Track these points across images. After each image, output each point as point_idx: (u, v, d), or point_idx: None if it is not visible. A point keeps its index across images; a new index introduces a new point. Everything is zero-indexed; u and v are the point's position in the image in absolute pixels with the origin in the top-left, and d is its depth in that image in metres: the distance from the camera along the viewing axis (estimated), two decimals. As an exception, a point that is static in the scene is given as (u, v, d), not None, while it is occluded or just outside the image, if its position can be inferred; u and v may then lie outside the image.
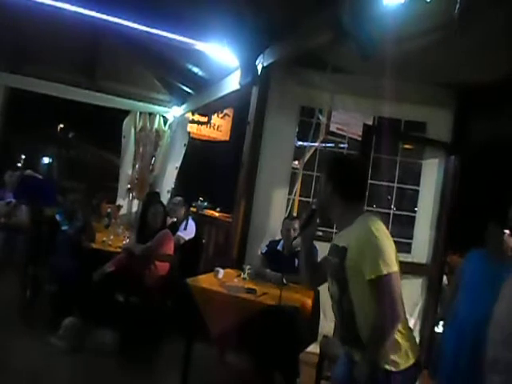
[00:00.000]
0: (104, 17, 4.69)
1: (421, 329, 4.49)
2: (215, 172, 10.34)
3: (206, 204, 8.32)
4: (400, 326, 1.73)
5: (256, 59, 4.32)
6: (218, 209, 8.58)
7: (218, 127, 8.32)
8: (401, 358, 1.74)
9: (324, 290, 3.54)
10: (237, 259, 4.15)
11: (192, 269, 4.16)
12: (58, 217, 4.52)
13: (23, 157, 11.15)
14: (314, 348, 3.45)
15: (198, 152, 7.38)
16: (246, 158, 4.30)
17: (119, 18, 4.70)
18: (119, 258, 3.86)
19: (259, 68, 4.29)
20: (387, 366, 1.72)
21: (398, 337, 1.74)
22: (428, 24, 3.14)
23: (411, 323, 4.03)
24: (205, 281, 3.31)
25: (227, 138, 8.52)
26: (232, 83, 4.98)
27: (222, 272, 3.47)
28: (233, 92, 5.00)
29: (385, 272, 1.66)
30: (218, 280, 3.38)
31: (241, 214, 4.19)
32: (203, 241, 4.74)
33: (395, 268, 1.69)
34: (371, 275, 1.67)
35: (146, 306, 3.66)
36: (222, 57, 4.66)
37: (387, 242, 1.73)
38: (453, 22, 2.78)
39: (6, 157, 7.86)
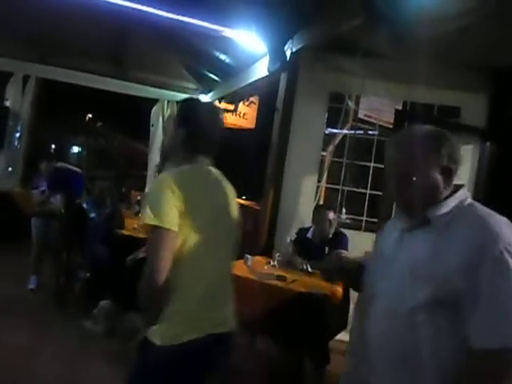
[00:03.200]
0: (132, 5, 4.71)
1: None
2: (240, 160, 10.33)
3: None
4: (191, 293, 1.52)
5: (285, 45, 4.27)
6: (243, 196, 8.59)
7: (244, 115, 8.28)
8: (171, 330, 1.49)
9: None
10: (265, 246, 4.16)
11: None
12: (85, 205, 4.63)
13: (53, 146, 11.40)
14: (343, 336, 3.44)
15: (223, 140, 7.36)
16: (274, 145, 4.28)
17: (147, 6, 4.71)
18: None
19: (288, 54, 4.23)
20: (154, 338, 1.49)
21: (176, 304, 1.50)
22: (465, 5, 3.03)
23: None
24: (235, 268, 3.32)
25: (253, 126, 8.49)
26: (260, 70, 4.94)
27: (251, 259, 3.48)
28: (260, 79, 4.96)
29: (147, 222, 1.45)
30: (248, 267, 3.39)
31: (270, 202, 4.19)
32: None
33: (162, 224, 1.43)
34: (143, 221, 1.49)
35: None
36: (250, 43, 4.62)
37: (161, 196, 1.47)
38: (490, 3, 2.67)
39: (38, 147, 8.00)
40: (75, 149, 16.46)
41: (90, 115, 15.29)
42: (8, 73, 6.56)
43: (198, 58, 6.18)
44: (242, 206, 5.92)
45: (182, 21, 4.79)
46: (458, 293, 1.12)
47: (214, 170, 1.80)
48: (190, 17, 4.74)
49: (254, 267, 3.39)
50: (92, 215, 4.49)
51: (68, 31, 5.96)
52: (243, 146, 10.07)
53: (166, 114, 6.95)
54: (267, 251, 3.98)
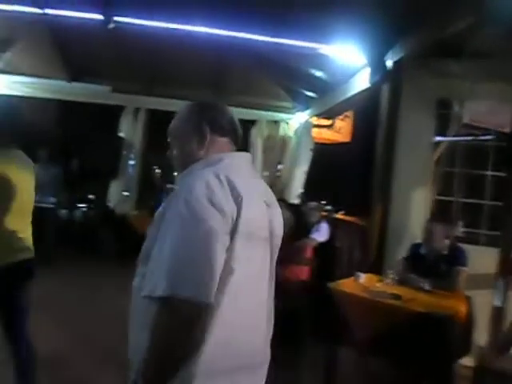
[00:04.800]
0: (230, 33, 4.94)
1: None
2: (336, 174, 10.17)
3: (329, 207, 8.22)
4: None
5: (385, 55, 4.16)
6: (340, 212, 8.42)
7: (339, 129, 8.21)
8: None
9: (476, 296, 3.27)
10: (374, 263, 4.02)
11: (328, 273, 4.13)
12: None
13: (159, 171, 12.26)
14: (468, 361, 3.18)
15: (318, 155, 7.33)
16: (379, 158, 4.15)
17: (244, 32, 4.90)
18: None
19: (389, 64, 4.12)
20: None
21: None
22: None
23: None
24: (346, 285, 3.26)
25: (348, 139, 8.37)
26: (358, 84, 4.87)
27: (362, 276, 3.38)
28: (360, 92, 4.88)
29: None
30: (360, 285, 3.29)
31: (378, 217, 4.04)
32: (338, 245, 4.67)
33: None
34: None
35: (286, 309, 3.70)
36: (347, 58, 4.58)
37: None
38: None
39: (149, 172, 8.68)
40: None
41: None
42: (121, 106, 7.21)
43: (293, 77, 6.26)
44: (344, 221, 5.80)
45: (277, 43, 4.91)
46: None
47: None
48: (285, 38, 4.84)
49: (367, 285, 3.28)
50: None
51: (171, 64, 6.42)
52: (338, 161, 9.92)
53: (265, 134, 7.11)
54: (377, 268, 3.84)
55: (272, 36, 4.81)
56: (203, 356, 1.09)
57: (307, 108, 6.88)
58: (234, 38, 4.94)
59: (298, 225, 3.91)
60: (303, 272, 3.90)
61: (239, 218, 1.10)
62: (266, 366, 1.35)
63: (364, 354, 3.58)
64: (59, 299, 4.82)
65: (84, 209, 8.65)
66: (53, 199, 6.43)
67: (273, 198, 1.35)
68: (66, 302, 4.85)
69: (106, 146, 8.12)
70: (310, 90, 6.51)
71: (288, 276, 3.77)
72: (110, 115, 7.25)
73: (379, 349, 3.11)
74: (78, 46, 6.29)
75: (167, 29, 4.87)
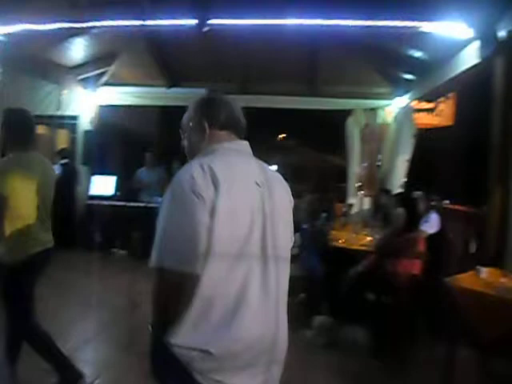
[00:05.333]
0: (321, 22, 4.80)
1: None
2: (438, 161, 9.52)
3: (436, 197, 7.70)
4: None
5: (496, 25, 3.75)
6: (445, 201, 7.86)
7: (441, 112, 7.63)
8: None
9: None
10: (494, 256, 3.65)
11: (440, 266, 3.85)
12: (297, 217, 4.81)
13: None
14: None
15: (419, 141, 6.88)
16: (495, 140, 3.75)
17: (335, 19, 4.73)
18: (370, 257, 3.85)
19: (501, 35, 3.70)
20: None
21: None
22: None
23: None
24: (466, 281, 3.00)
25: (450, 123, 7.73)
26: (464, 60, 4.47)
27: (484, 271, 3.08)
28: (467, 70, 4.46)
29: None
30: (481, 280, 3.01)
31: (497, 205, 3.67)
32: (450, 236, 4.32)
33: None
34: None
35: (398, 305, 3.53)
36: (451, 33, 4.22)
37: None
38: None
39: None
40: (272, 167, 17.82)
41: (283, 134, 16.30)
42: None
43: (391, 61, 5.96)
44: (452, 210, 5.35)
45: (372, 26, 4.67)
46: None
47: None
48: (381, 20, 4.59)
49: (489, 280, 2.99)
50: (304, 226, 4.66)
51: (262, 61, 6.48)
52: (440, 146, 9.29)
53: (362, 123, 6.85)
54: (498, 262, 3.49)
55: (367, 19, 4.58)
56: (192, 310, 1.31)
57: (406, 92, 6.49)
58: (327, 26, 4.79)
59: (406, 216, 3.70)
60: (414, 266, 3.67)
61: (218, 200, 1.29)
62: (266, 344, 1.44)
63: (488, 354, 3.30)
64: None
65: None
66: (160, 199, 6.83)
67: (270, 179, 1.50)
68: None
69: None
70: (408, 73, 6.14)
71: (398, 270, 3.59)
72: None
73: (507, 349, 2.84)
74: (174, 52, 6.64)
75: (259, 25, 4.90)
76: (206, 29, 4.79)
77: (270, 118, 9.92)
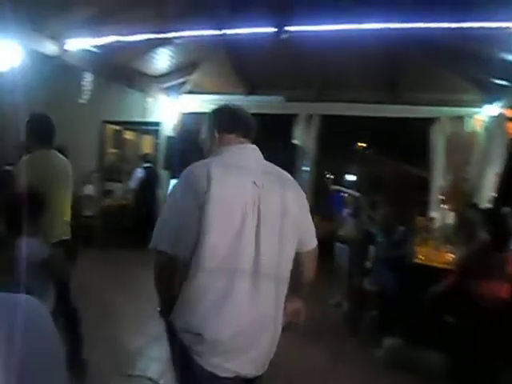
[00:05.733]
0: (403, 26, 4.56)
1: None
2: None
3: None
4: None
5: None
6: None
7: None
8: None
9: None
10: None
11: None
12: (373, 229, 4.61)
13: (331, 176, 12.32)
14: None
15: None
16: None
17: (419, 22, 4.46)
18: (451, 276, 3.56)
19: None
20: None
21: None
22: None
23: None
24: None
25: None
26: None
27: None
28: None
29: None
30: None
31: None
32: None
33: None
34: None
35: (481, 330, 3.21)
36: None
37: None
38: None
39: (320, 178, 8.70)
40: (349, 177, 17.33)
41: (362, 143, 15.85)
42: (295, 114, 7.40)
43: (480, 66, 5.52)
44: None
45: (460, 28, 4.35)
46: None
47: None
48: (470, 21, 4.26)
49: None
50: (379, 240, 4.44)
51: (341, 67, 6.34)
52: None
53: (448, 132, 6.41)
54: None
55: (454, 21, 4.28)
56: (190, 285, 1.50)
57: (497, 99, 5.97)
58: (409, 29, 4.54)
59: (496, 234, 3.36)
60: (503, 289, 3.32)
61: (209, 194, 1.44)
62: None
63: None
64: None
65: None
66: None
67: (275, 182, 1.64)
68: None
69: (281, 153, 8.43)
70: (500, 78, 5.65)
71: (484, 292, 3.26)
72: (283, 123, 7.50)
73: None
74: (252, 60, 6.72)
75: (337, 31, 4.77)
76: (284, 36, 4.78)
77: (348, 126, 9.71)
